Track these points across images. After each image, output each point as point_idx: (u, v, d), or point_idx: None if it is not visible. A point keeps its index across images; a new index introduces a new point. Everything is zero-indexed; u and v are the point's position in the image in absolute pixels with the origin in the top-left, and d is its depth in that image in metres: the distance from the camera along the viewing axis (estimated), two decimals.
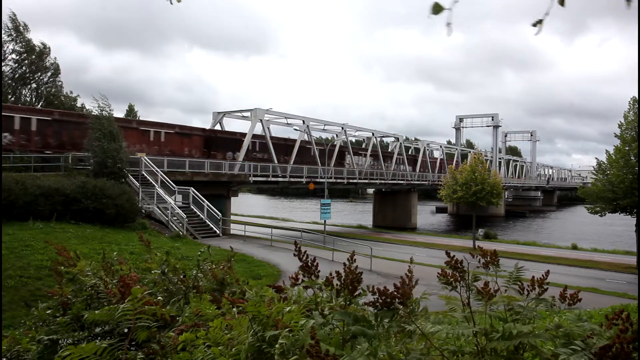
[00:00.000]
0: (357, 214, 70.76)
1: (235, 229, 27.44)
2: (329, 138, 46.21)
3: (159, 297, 2.66)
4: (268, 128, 37.04)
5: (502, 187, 33.73)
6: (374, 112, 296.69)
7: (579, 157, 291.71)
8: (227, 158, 34.70)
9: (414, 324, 1.64)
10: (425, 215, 71.76)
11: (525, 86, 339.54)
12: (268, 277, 14.95)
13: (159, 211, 22.81)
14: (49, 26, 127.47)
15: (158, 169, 24.57)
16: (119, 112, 69.53)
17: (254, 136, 37.09)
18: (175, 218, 22.60)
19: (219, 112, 39.12)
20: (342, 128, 44.65)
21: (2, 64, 37.87)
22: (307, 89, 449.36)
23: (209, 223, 24.22)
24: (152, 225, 21.35)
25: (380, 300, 1.71)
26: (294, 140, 41.07)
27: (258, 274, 15.20)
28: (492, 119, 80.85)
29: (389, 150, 57.09)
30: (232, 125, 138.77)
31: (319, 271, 1.99)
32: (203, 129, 36.09)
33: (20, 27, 39.57)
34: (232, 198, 31.97)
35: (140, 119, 51.58)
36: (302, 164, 38.30)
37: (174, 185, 24.25)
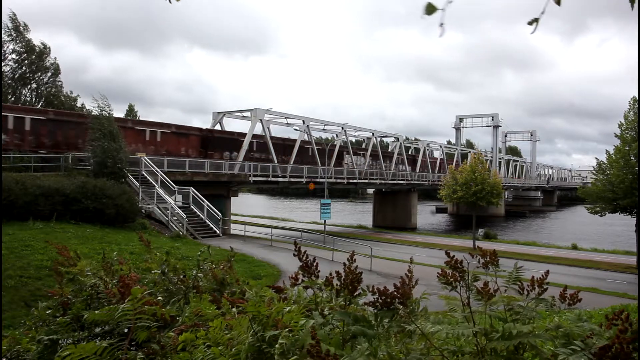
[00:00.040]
0: (357, 214, 70.76)
1: (235, 229, 27.44)
2: (329, 138, 46.23)
3: (159, 297, 2.66)
4: (268, 128, 37.03)
5: (502, 187, 33.73)
6: (374, 112, 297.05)
7: (579, 157, 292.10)
8: (225, 158, 34.55)
9: (414, 324, 1.64)
10: (425, 215, 71.76)
11: (525, 86, 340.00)
12: (268, 277, 14.95)
13: (159, 211, 22.82)
14: (48, 26, 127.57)
15: (158, 169, 24.57)
16: (119, 112, 69.57)
17: (255, 136, 37.07)
18: (175, 218, 22.60)
19: (219, 112, 39.13)
20: (342, 128, 44.67)
21: (2, 64, 37.90)
22: (307, 89, 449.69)
23: (209, 223, 24.22)
24: (152, 225, 21.36)
25: (380, 300, 1.71)
26: (293, 140, 41.06)
27: (258, 274, 15.21)
28: (492, 119, 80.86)
29: (389, 150, 57.10)
30: (232, 125, 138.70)
31: (318, 271, 1.99)
32: (200, 129, 35.85)
33: (20, 27, 39.58)
34: (232, 198, 31.97)
35: (140, 118, 51.66)
36: (301, 163, 38.29)
37: (174, 185, 24.25)
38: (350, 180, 42.33)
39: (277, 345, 1.65)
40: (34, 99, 41.93)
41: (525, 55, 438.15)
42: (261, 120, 35.88)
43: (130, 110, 64.82)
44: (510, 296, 1.73)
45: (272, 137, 37.68)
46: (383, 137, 55.65)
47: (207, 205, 24.47)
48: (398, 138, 53.91)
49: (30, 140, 25.64)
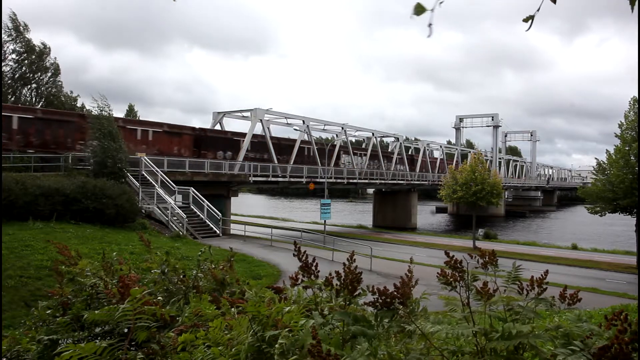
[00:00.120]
0: (357, 214, 70.76)
1: (235, 229, 27.44)
2: (329, 138, 46.23)
3: (158, 297, 2.67)
4: (268, 128, 37.02)
5: (502, 187, 33.74)
6: (374, 112, 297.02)
7: (579, 157, 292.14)
8: (218, 157, 34.36)
9: (414, 324, 1.65)
10: (425, 215, 71.76)
11: (525, 86, 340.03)
12: (268, 277, 14.95)
13: (159, 211, 22.82)
14: (48, 26, 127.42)
15: (158, 169, 24.57)
16: (119, 112, 69.60)
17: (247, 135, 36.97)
18: (175, 218, 22.61)
19: (219, 112, 39.12)
20: (342, 128, 44.67)
21: (2, 64, 37.89)
22: (306, 89, 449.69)
23: (209, 223, 24.23)
24: (152, 225, 21.36)
25: (380, 300, 1.71)
26: (289, 140, 41.02)
27: (258, 274, 15.20)
28: (492, 119, 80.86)
29: (389, 150, 57.09)
30: (232, 125, 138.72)
31: (318, 271, 1.99)
32: (193, 128, 35.33)
33: (20, 27, 39.58)
34: (232, 198, 31.97)
35: (140, 118, 51.62)
36: (300, 163, 38.26)
37: (174, 185, 24.26)
38: (350, 180, 42.34)
39: (277, 345, 1.65)
40: (34, 99, 41.94)
41: (525, 55, 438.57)
42: (261, 120, 35.87)
43: (130, 110, 64.84)
44: (510, 296, 1.73)
45: (262, 136, 37.38)
46: (383, 137, 55.66)
47: (207, 205, 24.48)
48: (398, 138, 53.91)
49: (18, 140, 25.07)
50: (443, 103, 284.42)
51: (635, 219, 26.06)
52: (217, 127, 38.49)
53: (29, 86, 41.72)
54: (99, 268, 3.16)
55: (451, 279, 1.73)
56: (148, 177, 24.03)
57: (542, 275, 1.82)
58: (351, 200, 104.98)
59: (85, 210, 18.43)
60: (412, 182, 49.96)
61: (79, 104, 47.49)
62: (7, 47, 38.96)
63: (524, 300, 1.75)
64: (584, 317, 1.69)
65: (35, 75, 41.52)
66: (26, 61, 40.29)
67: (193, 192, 24.82)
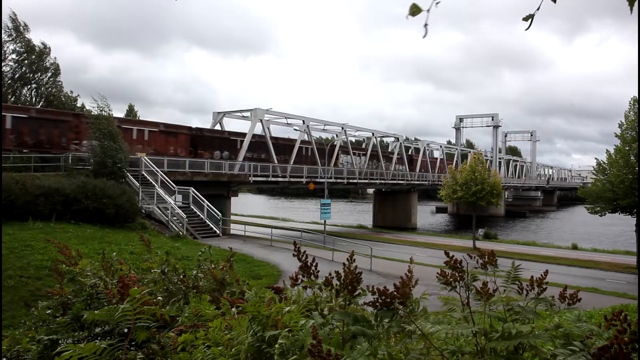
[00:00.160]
0: (357, 214, 70.76)
1: (235, 229, 27.44)
2: (329, 138, 46.23)
3: (158, 297, 2.67)
4: (268, 128, 37.01)
5: (502, 187, 33.73)
6: (373, 112, 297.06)
7: (579, 157, 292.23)
8: (215, 157, 34.24)
9: (414, 324, 1.65)
10: (425, 215, 71.76)
11: (524, 86, 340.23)
12: (268, 277, 14.95)
13: (159, 211, 22.83)
14: (47, 26, 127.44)
15: (158, 169, 24.58)
16: (119, 112, 69.61)
17: (243, 135, 36.93)
18: (175, 218, 22.61)
19: (218, 112, 39.10)
20: (342, 128, 44.67)
21: (2, 64, 37.87)
22: (305, 89, 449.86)
23: (209, 223, 24.23)
24: (152, 225, 21.36)
25: (380, 300, 1.71)
26: (288, 140, 40.98)
27: (258, 274, 15.20)
28: (492, 119, 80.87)
29: (389, 150, 57.09)
30: (232, 125, 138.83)
31: (318, 271, 1.99)
32: (189, 128, 35.03)
33: (20, 27, 39.56)
34: (232, 198, 31.97)
35: (139, 118, 51.57)
36: (299, 163, 38.24)
37: (174, 185, 24.26)
38: (350, 180, 42.34)
39: (276, 345, 1.65)
40: (34, 99, 41.94)
41: (525, 55, 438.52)
42: (261, 120, 35.86)
43: (130, 110, 64.80)
44: (509, 296, 1.73)
45: (259, 136, 37.33)
46: (383, 137, 55.66)
47: (207, 205, 24.48)
48: (398, 138, 53.91)
49: (12, 139, 24.80)
50: (443, 103, 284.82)
51: (635, 219, 26.05)
52: (217, 127, 38.46)
53: (29, 86, 41.70)
54: (99, 268, 3.16)
55: (451, 279, 1.73)
56: (148, 177, 24.03)
57: (542, 275, 1.82)
58: (351, 200, 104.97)
59: (85, 210, 18.43)
60: (412, 182, 49.97)
61: (79, 104, 47.47)
62: (7, 47, 38.96)
63: (524, 300, 1.75)
64: (583, 317, 1.69)
65: (35, 76, 41.50)
66: (26, 61, 40.27)
67: (193, 192, 24.82)
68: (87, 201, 18.50)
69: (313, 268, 1.98)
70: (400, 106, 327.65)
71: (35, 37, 79.96)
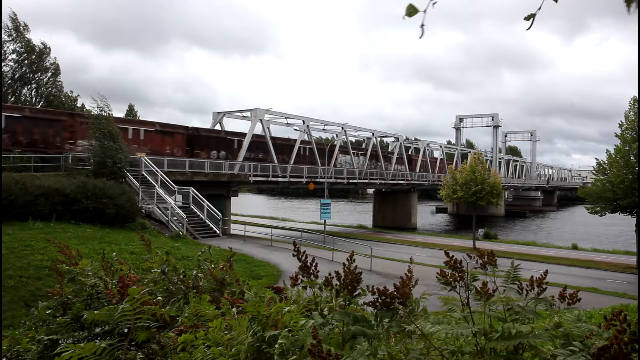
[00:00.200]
0: (357, 214, 70.75)
1: (235, 229, 27.44)
2: (329, 138, 46.23)
3: (158, 297, 2.67)
4: (268, 128, 37.00)
5: (502, 187, 33.73)
6: (373, 112, 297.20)
7: (579, 157, 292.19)
8: (212, 157, 34.09)
9: (414, 324, 1.65)
10: (425, 215, 71.75)
11: (524, 86, 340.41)
12: (268, 277, 14.95)
13: (159, 211, 22.83)
14: (47, 26, 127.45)
15: (158, 169, 24.58)
16: (119, 112, 69.60)
17: (243, 135, 36.89)
18: (175, 218, 22.61)
19: (218, 112, 39.09)
20: (342, 128, 44.67)
21: (2, 64, 37.86)
22: (305, 89, 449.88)
23: (209, 223, 24.23)
24: (152, 225, 21.36)
25: (380, 300, 1.71)
26: (285, 139, 40.94)
27: (258, 274, 15.20)
28: (492, 119, 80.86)
29: (389, 150, 57.08)
30: (232, 125, 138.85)
31: (318, 271, 1.99)
32: (185, 127, 34.77)
33: (21, 27, 39.56)
34: (232, 198, 31.96)
35: (139, 118, 51.54)
36: (298, 163, 38.22)
37: (174, 185, 24.26)
38: (350, 180, 42.33)
39: (276, 345, 1.65)
40: (34, 100, 41.94)
41: (525, 55, 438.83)
42: (261, 120, 35.84)
43: (130, 110, 64.81)
44: (508, 297, 1.73)
45: (257, 136, 37.27)
46: (383, 137, 55.65)
47: (207, 205, 24.48)
48: (398, 138, 53.91)
49: (5, 139, 24.51)
50: (442, 103, 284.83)
51: (635, 219, 26.05)
52: (217, 127, 38.44)
53: (29, 86, 41.71)
54: (99, 268, 3.16)
55: (451, 279, 1.73)
56: (148, 177, 24.03)
57: (541, 275, 1.82)
58: (351, 200, 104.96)
59: (85, 210, 18.43)
60: (412, 182, 49.97)
61: (79, 104, 47.49)
62: (7, 47, 38.96)
63: (524, 300, 1.75)
64: (583, 317, 1.69)
65: (35, 76, 41.50)
66: (26, 61, 40.27)
67: (193, 192, 24.82)
68: (87, 201, 18.49)
69: (313, 268, 1.98)
70: (400, 106, 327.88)
71: (35, 37, 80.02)
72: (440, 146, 68.78)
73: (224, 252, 6.90)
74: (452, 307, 1.79)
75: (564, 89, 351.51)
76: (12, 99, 39.06)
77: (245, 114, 38.45)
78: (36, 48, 40.86)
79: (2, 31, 37.89)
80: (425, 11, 1.58)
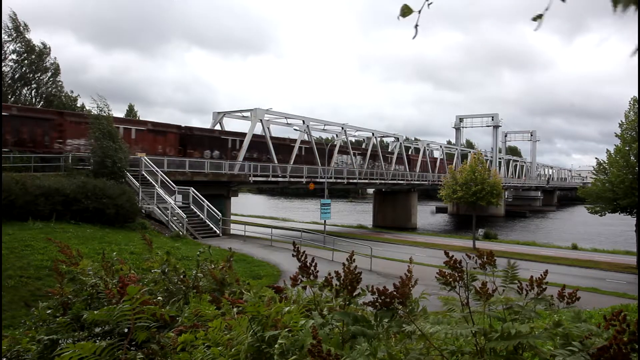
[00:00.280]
0: (357, 214, 70.74)
1: (235, 229, 27.44)
2: (329, 138, 46.23)
3: (158, 297, 2.67)
4: (268, 128, 37.00)
5: (502, 187, 33.73)
6: (373, 112, 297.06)
7: (579, 157, 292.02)
8: (205, 157, 33.90)
9: (413, 324, 1.65)
10: (425, 215, 71.75)
11: (524, 86, 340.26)
12: (268, 277, 14.94)
13: (159, 211, 22.83)
14: (47, 26, 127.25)
15: (158, 169, 24.58)
16: (119, 112, 69.60)
17: (237, 135, 36.74)
18: (175, 218, 22.61)
19: (218, 112, 39.08)
20: (342, 128, 44.67)
21: (2, 64, 37.87)
22: (305, 89, 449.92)
23: (209, 223, 24.23)
24: (152, 225, 21.36)
25: (380, 300, 1.71)
26: (283, 139, 40.91)
27: (258, 274, 15.20)
28: (492, 119, 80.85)
29: (389, 150, 57.09)
30: (232, 125, 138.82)
31: (318, 271, 1.99)
32: (178, 126, 34.45)
33: (21, 27, 39.56)
34: (232, 198, 31.96)
35: (138, 118, 51.55)
36: (297, 163, 38.20)
37: (174, 185, 24.27)
38: (350, 180, 42.33)
39: (276, 346, 1.65)
40: (34, 99, 41.94)
41: (525, 55, 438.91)
42: (261, 120, 35.84)
43: (130, 110, 64.83)
44: (508, 297, 1.74)
45: (256, 136, 37.20)
46: (383, 137, 55.65)
47: (207, 205, 24.48)
48: (398, 138, 53.90)
49: None
50: (442, 103, 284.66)
51: (635, 219, 26.05)
52: (217, 127, 38.43)
53: (29, 86, 41.71)
54: (99, 268, 3.16)
55: (450, 279, 1.73)
56: (148, 177, 24.03)
57: (541, 275, 1.82)
58: (351, 200, 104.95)
59: (85, 210, 18.43)
60: (412, 182, 49.96)
61: (79, 104, 47.51)
62: (7, 47, 38.96)
63: (523, 300, 1.75)
64: (583, 317, 1.69)
65: (35, 76, 41.50)
66: (26, 61, 40.28)
67: (193, 192, 24.82)
68: (87, 201, 18.49)
69: (313, 268, 1.98)
70: (400, 106, 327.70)
71: (35, 37, 79.93)
72: (440, 146, 68.77)
73: (224, 252, 6.91)
74: (452, 307, 1.79)
75: (564, 89, 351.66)
76: (12, 99, 39.06)
77: (245, 114, 38.45)
78: (36, 48, 40.87)
79: (2, 31, 37.92)
80: (419, 12, 1.57)
